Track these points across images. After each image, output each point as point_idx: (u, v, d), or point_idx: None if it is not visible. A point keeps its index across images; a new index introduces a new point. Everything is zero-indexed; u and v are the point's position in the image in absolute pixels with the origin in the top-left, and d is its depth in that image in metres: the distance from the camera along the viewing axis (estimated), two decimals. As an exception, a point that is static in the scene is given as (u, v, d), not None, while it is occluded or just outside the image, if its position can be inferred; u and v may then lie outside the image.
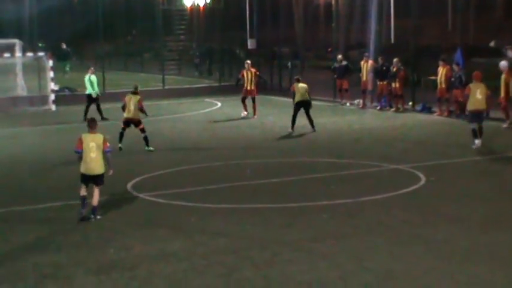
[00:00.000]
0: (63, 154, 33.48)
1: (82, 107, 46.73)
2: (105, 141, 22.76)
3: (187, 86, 57.32)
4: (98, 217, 22.79)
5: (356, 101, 47.16)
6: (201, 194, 26.10)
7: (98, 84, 44.45)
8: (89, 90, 43.55)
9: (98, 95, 43.57)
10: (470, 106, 32.39)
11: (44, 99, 48.42)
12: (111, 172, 23.23)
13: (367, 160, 30.28)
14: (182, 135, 38.43)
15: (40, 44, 57.28)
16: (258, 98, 45.58)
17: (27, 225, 23.20)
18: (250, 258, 19.66)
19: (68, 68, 62.56)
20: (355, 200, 24.35)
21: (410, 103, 44.48)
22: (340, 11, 77.06)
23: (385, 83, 44.84)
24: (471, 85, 32.67)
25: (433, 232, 21.34)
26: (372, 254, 19.22)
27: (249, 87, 40.49)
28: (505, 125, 38.10)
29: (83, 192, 22.66)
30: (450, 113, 41.52)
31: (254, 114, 41.25)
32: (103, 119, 42.13)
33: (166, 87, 55.77)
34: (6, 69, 50.00)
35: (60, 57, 60.46)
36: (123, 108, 32.95)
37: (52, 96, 48.91)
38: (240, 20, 67.62)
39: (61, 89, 51.15)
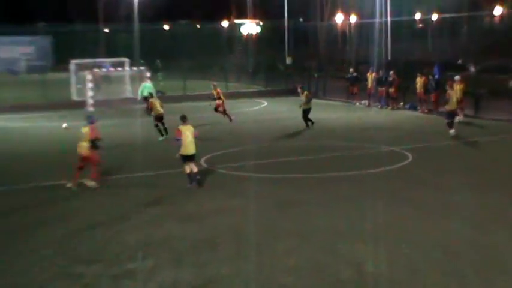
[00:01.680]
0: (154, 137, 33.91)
1: (171, 105, 47.05)
2: (194, 130, 23.30)
3: (244, 90, 57.39)
4: (198, 177, 23.06)
5: (363, 102, 47.16)
6: (253, 167, 26.13)
7: (150, 90, 44.46)
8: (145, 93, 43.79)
9: (147, 96, 43.79)
10: (448, 107, 32.78)
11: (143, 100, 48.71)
12: (177, 155, 23.49)
13: (371, 144, 30.23)
14: (239, 125, 38.54)
15: (141, 61, 57.50)
16: (293, 98, 45.85)
17: (137, 188, 23.60)
18: (286, 211, 19.98)
19: (160, 78, 62.87)
20: (361, 172, 24.54)
21: (402, 103, 44.47)
22: (352, 37, 77.07)
23: (384, 88, 44.91)
24: (449, 91, 32.93)
25: (417, 195, 21.53)
26: (373, 211, 19.39)
27: (218, 102, 39.03)
28: (460, 118, 37.39)
29: (188, 170, 22.98)
30: (430, 111, 41.57)
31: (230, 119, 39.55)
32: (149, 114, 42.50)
33: (229, 90, 55.88)
34: (119, 79, 50.46)
35: (155, 70, 60.82)
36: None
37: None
38: (281, 42, 67.40)
39: (156, 92, 51.44)
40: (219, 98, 38.67)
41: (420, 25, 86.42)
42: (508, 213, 19.42)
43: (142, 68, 51.57)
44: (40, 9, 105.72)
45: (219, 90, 39.10)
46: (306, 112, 35.98)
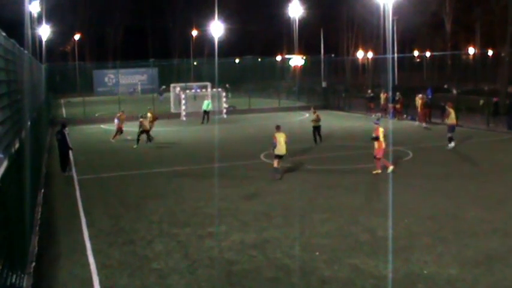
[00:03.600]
0: (233, 137, 34.03)
1: (240, 115, 47.31)
2: (286, 136, 22.61)
3: (292, 105, 57.33)
4: (279, 176, 22.31)
5: (378, 114, 46.70)
6: (297, 160, 26.21)
7: (208, 105, 44.80)
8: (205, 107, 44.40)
9: (206, 110, 43.95)
10: (449, 121, 29.24)
11: (220, 112, 49.02)
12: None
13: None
14: (286, 131, 38.46)
15: (227, 85, 57.96)
16: (326, 111, 45.85)
17: (215, 176, 23.75)
18: (322, 192, 19.98)
19: (229, 95, 62.99)
20: (373, 165, 24.45)
21: (405, 115, 44.02)
22: (370, 66, 76.56)
23: (393, 104, 44.53)
24: (448, 109, 29.93)
25: (414, 181, 21.40)
26: (384, 192, 19.33)
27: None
28: (424, 125, 38.67)
29: (276, 164, 22.37)
30: (424, 122, 40.99)
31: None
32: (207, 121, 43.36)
33: (280, 106, 55.94)
34: (203, 97, 50.60)
35: (226, 91, 61.28)
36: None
37: (224, 110, 49.61)
38: (318, 71, 67.20)
39: (229, 106, 51.72)
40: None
41: (418, 59, 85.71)
42: (482, 193, 19.23)
43: (219, 89, 51.75)
44: (150, 50, 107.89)
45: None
46: (316, 129, 31.67)
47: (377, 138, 22.89)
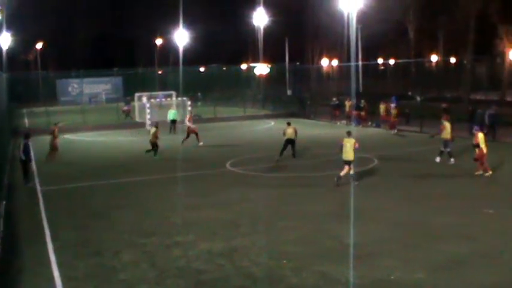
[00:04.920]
0: (199, 146, 33.83)
1: (205, 124, 47.17)
2: (355, 143, 22.12)
3: (257, 114, 57.34)
4: (356, 182, 21.90)
5: (343, 121, 46.95)
6: (264, 169, 26.25)
7: (175, 115, 44.36)
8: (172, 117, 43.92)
9: (174, 119, 43.62)
10: (444, 136, 26.78)
11: (184, 121, 48.67)
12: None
13: None
14: (252, 139, 38.57)
15: (190, 94, 57.66)
16: (292, 119, 45.90)
17: (180, 184, 23.70)
18: (288, 200, 20.04)
19: (199, 105, 62.74)
20: (337, 172, 24.62)
21: (370, 123, 44.34)
22: (334, 74, 77.24)
23: (358, 112, 44.85)
24: (445, 123, 27.07)
25: (380, 188, 21.63)
26: (349, 201, 19.34)
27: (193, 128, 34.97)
28: (393, 132, 39.07)
29: (344, 171, 22.16)
30: (390, 129, 41.32)
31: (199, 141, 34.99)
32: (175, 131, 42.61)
33: (246, 114, 55.95)
34: (168, 106, 50.34)
35: (196, 100, 61.20)
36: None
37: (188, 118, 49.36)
38: (283, 79, 67.56)
39: (194, 115, 51.43)
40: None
41: (382, 67, 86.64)
42: (448, 198, 19.50)
43: (184, 98, 51.56)
44: (114, 59, 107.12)
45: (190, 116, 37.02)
46: (290, 142, 28.63)
47: (478, 146, 23.33)
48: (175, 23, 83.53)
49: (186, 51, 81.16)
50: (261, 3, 71.86)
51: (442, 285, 11.95)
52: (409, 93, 66.62)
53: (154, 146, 30.61)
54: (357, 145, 22.18)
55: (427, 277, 12.37)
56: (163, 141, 32.85)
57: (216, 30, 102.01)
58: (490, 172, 23.17)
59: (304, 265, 13.29)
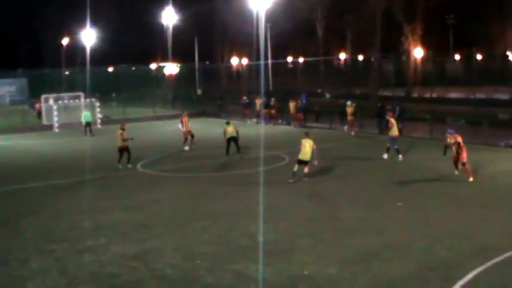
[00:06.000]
0: (109, 147, 33.28)
1: (113, 126, 46.40)
2: (314, 143, 22.28)
3: (167, 114, 56.87)
4: (305, 179, 22.10)
5: (253, 120, 47.28)
6: (174, 169, 26.16)
7: (90, 116, 43.62)
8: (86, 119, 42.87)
9: (89, 122, 42.84)
10: (392, 133, 26.87)
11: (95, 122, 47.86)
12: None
13: (260, 149, 29.56)
14: (162, 140, 38.27)
15: (97, 95, 56.18)
16: (203, 119, 45.84)
17: (90, 188, 23.18)
18: (200, 200, 20.01)
19: (114, 104, 61.36)
20: (253, 170, 24.82)
21: (280, 120, 44.87)
22: (244, 73, 77.69)
23: (268, 110, 45.30)
24: (391, 120, 27.04)
25: (292, 185, 21.80)
26: (261, 198, 19.53)
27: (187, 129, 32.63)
28: (352, 133, 36.72)
29: (295, 169, 22.11)
30: (300, 126, 41.95)
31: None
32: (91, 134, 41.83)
33: (156, 114, 55.46)
34: (76, 107, 49.38)
35: (111, 101, 60.15)
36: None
37: (99, 120, 48.42)
38: (193, 79, 67.43)
39: (103, 117, 50.56)
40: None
41: (291, 65, 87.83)
42: (357, 193, 19.99)
43: (93, 99, 50.61)
44: (19, 59, 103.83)
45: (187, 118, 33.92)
46: (233, 139, 29.07)
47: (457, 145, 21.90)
48: (83, 22, 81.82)
49: (94, 51, 79.62)
50: (170, 2, 71.37)
51: (353, 279, 12.25)
52: (319, 90, 67.95)
53: (123, 151, 27.02)
54: (315, 146, 22.29)
55: (339, 271, 12.66)
56: (69, 144, 32.17)
57: (125, 29, 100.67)
58: (472, 179, 21.54)
59: (218, 264, 13.32)
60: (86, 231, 16.69)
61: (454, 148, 22.02)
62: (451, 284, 11.66)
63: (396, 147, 26.77)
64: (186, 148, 32.13)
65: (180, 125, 33.04)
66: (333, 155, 28.60)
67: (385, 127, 31.07)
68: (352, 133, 36.92)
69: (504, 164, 25.19)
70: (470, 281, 11.85)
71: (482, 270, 12.39)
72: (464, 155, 21.72)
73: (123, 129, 27.45)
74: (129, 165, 26.68)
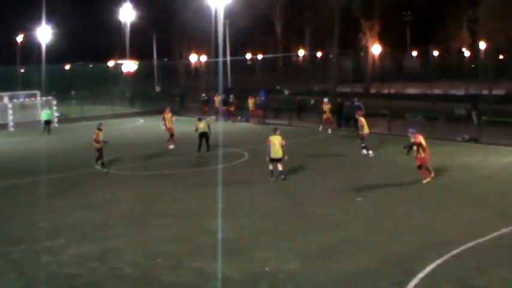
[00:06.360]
0: (67, 146, 32.87)
1: (71, 125, 45.95)
2: (282, 139, 21.66)
3: (125, 112, 56.46)
4: (282, 176, 21.77)
5: (212, 117, 47.07)
6: (134, 167, 26.00)
7: (50, 115, 43.12)
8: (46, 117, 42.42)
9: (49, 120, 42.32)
10: (364, 132, 26.72)
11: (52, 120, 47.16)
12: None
13: (217, 146, 29.55)
14: (121, 138, 37.96)
15: (53, 93, 55.23)
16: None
17: (48, 186, 22.94)
18: (161, 197, 19.92)
19: (74, 104, 60.39)
20: (214, 167, 24.83)
21: (239, 117, 44.86)
22: (203, 70, 77.52)
23: (227, 107, 45.27)
24: (361, 119, 26.94)
25: (252, 182, 21.98)
26: (221, 195, 19.52)
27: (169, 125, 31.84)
28: (330, 131, 35.65)
29: (271, 167, 21.66)
30: (259, 123, 42.07)
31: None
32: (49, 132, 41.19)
33: (114, 112, 54.92)
34: (32, 106, 48.64)
35: (71, 99, 59.60)
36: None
37: (56, 119, 47.71)
38: (152, 76, 67.03)
39: (61, 115, 49.86)
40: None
41: (250, 62, 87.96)
42: (316, 189, 20.15)
43: (49, 97, 49.85)
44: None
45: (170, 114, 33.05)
46: (203, 136, 28.78)
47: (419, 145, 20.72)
48: (38, 19, 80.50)
49: (50, 48, 78.38)
50: (128, -1, 70.85)
51: (314, 274, 12.33)
52: (278, 87, 68.20)
53: (100, 154, 25.43)
54: (284, 142, 21.78)
55: (300, 267, 12.73)
56: (25, 143, 31.70)
57: (82, 26, 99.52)
58: (433, 174, 20.94)
59: (179, 262, 13.28)
60: (43, 231, 16.43)
61: (415, 148, 20.84)
62: (410, 277, 11.82)
63: (364, 144, 26.79)
64: (171, 147, 31.43)
65: (161, 122, 32.48)
66: (293, 151, 28.67)
67: (354, 126, 30.98)
68: (330, 131, 35.72)
69: (461, 159, 25.65)
70: (429, 273, 12.04)
71: (441, 262, 12.61)
72: (425, 156, 20.72)
73: (99, 130, 25.60)
74: (97, 167, 25.63)
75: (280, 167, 21.73)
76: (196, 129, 28.97)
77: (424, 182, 20.58)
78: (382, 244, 14.09)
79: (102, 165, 25.35)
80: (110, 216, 17.78)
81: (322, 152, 28.86)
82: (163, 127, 32.19)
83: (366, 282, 11.85)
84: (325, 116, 36.15)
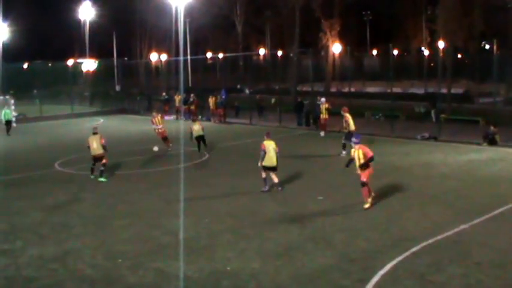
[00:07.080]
0: (25, 146, 32.36)
1: (29, 125, 45.22)
2: (276, 145, 19.69)
3: (85, 111, 55.90)
4: (279, 188, 19.72)
5: (172, 116, 46.82)
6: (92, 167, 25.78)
7: (10, 114, 42.24)
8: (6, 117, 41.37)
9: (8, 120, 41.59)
10: (351, 128, 25.67)
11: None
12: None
13: (178, 145, 29.07)
14: (81, 138, 37.42)
15: (11, 92, 53.99)
16: (122, 116, 45.13)
17: (7, 188, 22.52)
18: (121, 198, 19.77)
19: (37, 103, 58.91)
20: (175, 166, 24.70)
21: (200, 116, 44.67)
22: (163, 69, 77.04)
23: (187, 106, 45.10)
24: (345, 115, 26.25)
25: (212, 181, 21.91)
26: (181, 195, 19.42)
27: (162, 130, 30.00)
28: (322, 134, 33.39)
29: (264, 175, 19.57)
30: (220, 122, 42.10)
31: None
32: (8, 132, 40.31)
33: (74, 112, 54.33)
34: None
35: (33, 98, 58.72)
36: (88, 147, 22.99)
37: (14, 118, 46.87)
38: (112, 75, 66.35)
39: (19, 115, 49.07)
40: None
41: (211, 61, 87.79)
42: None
43: (7, 96, 48.96)
44: None
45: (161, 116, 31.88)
46: (200, 138, 28.36)
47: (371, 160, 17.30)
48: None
49: (7, 46, 77.05)
50: (87, -3, 70.07)
51: (276, 272, 12.35)
52: (238, 86, 68.23)
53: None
54: (277, 149, 19.79)
55: (261, 265, 12.74)
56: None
57: (41, 24, 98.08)
58: (373, 195, 17.68)
59: (140, 263, 13.19)
60: (1, 234, 16.15)
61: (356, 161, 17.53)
62: (371, 274, 11.94)
63: (344, 142, 25.97)
64: (155, 149, 29.36)
65: (153, 126, 30.69)
66: (254, 150, 28.72)
67: (314, 125, 30.97)
68: (322, 134, 33.41)
69: (420, 156, 26.00)
70: (389, 270, 12.18)
71: (401, 259, 12.77)
72: (365, 173, 17.23)
73: (94, 134, 23.66)
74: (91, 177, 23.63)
75: (276, 179, 19.81)
76: (191, 132, 28.23)
77: (366, 206, 17.20)
78: (343, 242, 14.18)
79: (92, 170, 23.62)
80: (69, 217, 17.55)
81: (283, 151, 28.85)
82: (158, 127, 30.46)
83: (327, 280, 11.92)
84: (322, 117, 33.40)
